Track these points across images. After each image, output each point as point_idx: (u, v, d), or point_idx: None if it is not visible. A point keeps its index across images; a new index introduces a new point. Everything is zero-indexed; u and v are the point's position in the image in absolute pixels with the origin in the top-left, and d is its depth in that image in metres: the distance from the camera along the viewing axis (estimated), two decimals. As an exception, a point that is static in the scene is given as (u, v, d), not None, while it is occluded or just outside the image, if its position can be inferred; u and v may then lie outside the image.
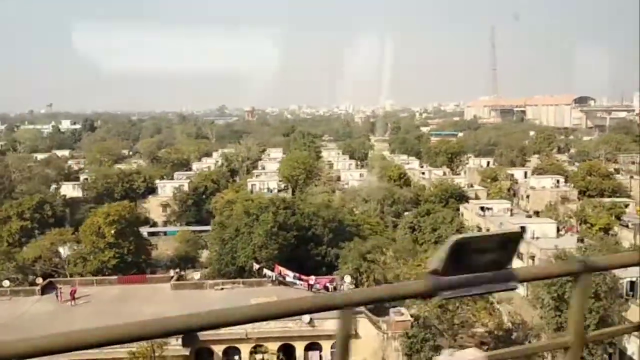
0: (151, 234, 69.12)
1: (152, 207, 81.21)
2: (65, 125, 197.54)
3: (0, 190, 78.60)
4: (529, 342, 35.64)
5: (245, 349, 35.72)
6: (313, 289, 39.99)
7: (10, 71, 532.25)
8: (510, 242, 1.83)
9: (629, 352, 35.36)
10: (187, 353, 33.61)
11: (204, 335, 32.06)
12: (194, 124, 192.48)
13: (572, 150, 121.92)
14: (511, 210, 66.73)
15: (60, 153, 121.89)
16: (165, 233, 72.26)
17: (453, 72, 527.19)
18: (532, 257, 52.21)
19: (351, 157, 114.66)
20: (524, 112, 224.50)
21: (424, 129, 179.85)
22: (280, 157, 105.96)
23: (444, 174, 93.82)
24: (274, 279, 42.32)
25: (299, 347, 36.24)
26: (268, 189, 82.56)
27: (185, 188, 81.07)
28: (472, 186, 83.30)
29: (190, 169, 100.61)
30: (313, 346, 36.35)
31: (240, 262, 46.47)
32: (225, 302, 36.78)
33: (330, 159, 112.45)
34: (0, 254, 49.42)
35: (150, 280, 45.87)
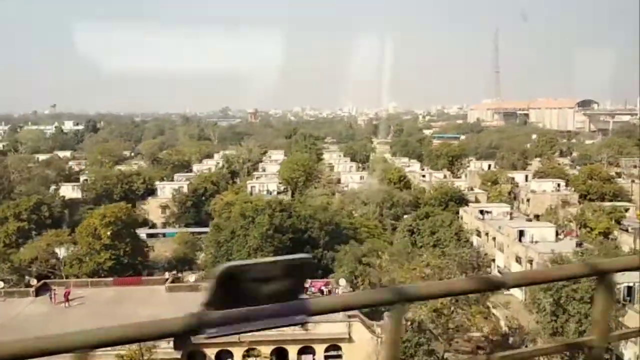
0: (150, 235, 69.03)
1: (152, 209, 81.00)
2: (68, 126, 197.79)
3: (-1, 191, 78.55)
4: (525, 346, 35.29)
5: (238, 352, 35.37)
6: (308, 292, 39.76)
7: (13, 72, 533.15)
8: (299, 268, 1.58)
9: (625, 359, 35.06)
10: (179, 356, 33.27)
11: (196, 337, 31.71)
12: (197, 125, 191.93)
13: (574, 154, 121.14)
14: (511, 213, 66.35)
15: (62, 154, 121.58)
16: (164, 234, 72.10)
17: (456, 75, 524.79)
18: (530, 261, 51.94)
19: (353, 160, 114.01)
20: (527, 115, 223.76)
21: (427, 132, 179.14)
22: (282, 159, 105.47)
23: (445, 176, 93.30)
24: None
25: (292, 351, 35.88)
26: (267, 191, 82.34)
27: (185, 190, 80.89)
28: (472, 189, 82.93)
29: (191, 171, 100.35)
30: (306, 350, 35.99)
31: (235, 264, 46.16)
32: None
33: (331, 161, 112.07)
34: (-3, 255, 49.33)
35: (146, 282, 45.68)
